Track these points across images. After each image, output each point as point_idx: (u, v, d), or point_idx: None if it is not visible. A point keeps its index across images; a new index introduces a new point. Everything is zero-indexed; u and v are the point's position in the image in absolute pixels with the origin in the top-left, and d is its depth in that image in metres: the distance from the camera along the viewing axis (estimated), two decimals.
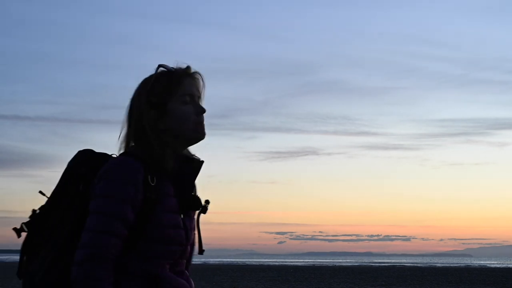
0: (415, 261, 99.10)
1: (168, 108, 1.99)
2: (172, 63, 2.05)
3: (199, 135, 2.03)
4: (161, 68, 2.02)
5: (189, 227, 2.02)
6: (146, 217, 1.91)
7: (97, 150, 2.04)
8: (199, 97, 2.06)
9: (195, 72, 2.07)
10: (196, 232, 2.09)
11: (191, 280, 2.07)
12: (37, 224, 1.97)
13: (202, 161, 2.08)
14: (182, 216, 2.01)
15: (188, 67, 2.06)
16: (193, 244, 2.09)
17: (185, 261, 2.07)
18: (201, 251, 2.12)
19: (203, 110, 2.04)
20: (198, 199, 2.07)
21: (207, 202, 2.10)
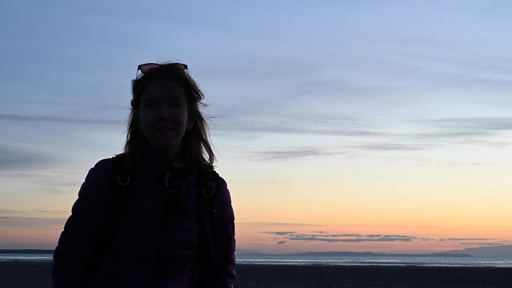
0: (415, 261, 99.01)
1: (139, 112, 2.01)
2: (158, 60, 2.02)
3: (157, 142, 1.96)
4: (139, 70, 2.02)
5: (171, 230, 1.94)
6: (117, 217, 1.92)
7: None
8: (172, 97, 1.96)
9: (167, 71, 1.99)
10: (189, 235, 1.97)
11: None
12: None
13: (189, 167, 1.99)
14: (165, 218, 1.94)
15: (157, 68, 2.00)
16: (200, 249, 1.99)
17: (180, 266, 1.97)
18: (210, 256, 2.04)
19: (160, 116, 1.94)
20: (178, 202, 1.96)
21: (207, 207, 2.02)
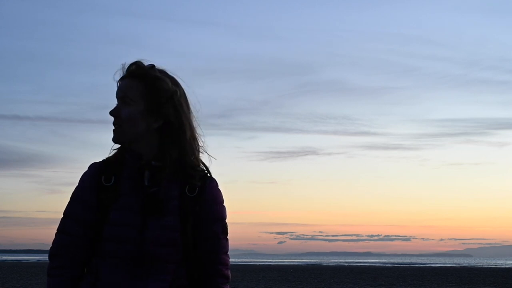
0: (415, 261, 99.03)
1: None
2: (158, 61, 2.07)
3: (112, 139, 2.06)
4: None
5: (151, 228, 1.96)
6: (102, 217, 1.97)
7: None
8: (121, 96, 2.04)
9: (125, 70, 2.06)
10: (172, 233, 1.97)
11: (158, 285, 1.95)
12: None
13: (158, 165, 2.00)
14: (145, 216, 1.96)
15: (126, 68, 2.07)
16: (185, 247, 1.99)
17: (163, 264, 1.97)
18: (194, 255, 2.03)
19: (111, 112, 2.04)
20: (157, 200, 1.97)
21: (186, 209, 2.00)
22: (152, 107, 2.01)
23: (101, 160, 2.08)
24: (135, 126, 2.01)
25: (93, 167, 2.06)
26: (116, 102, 2.06)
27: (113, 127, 2.04)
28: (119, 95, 2.04)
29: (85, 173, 2.07)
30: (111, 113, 2.03)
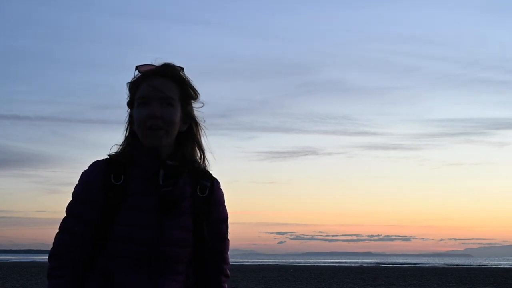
0: (415, 261, 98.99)
1: (133, 112, 2.01)
2: (156, 60, 2.02)
3: (147, 141, 1.96)
4: (136, 71, 2.03)
5: (167, 228, 1.94)
6: (111, 216, 1.92)
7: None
8: (164, 97, 1.95)
9: (161, 70, 1.99)
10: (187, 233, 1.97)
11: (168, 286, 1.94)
12: None
13: (175, 165, 1.97)
14: (160, 216, 1.94)
15: (152, 68, 2.00)
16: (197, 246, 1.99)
17: (176, 264, 1.97)
18: (205, 255, 2.04)
19: (151, 114, 1.93)
20: (172, 200, 1.95)
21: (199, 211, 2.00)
22: (185, 111, 2.02)
23: (104, 158, 2.01)
24: (175, 128, 1.98)
25: (98, 165, 1.99)
26: (136, 102, 1.98)
27: (151, 129, 1.93)
28: (160, 95, 1.95)
29: (87, 171, 1.99)
30: (158, 113, 1.93)
